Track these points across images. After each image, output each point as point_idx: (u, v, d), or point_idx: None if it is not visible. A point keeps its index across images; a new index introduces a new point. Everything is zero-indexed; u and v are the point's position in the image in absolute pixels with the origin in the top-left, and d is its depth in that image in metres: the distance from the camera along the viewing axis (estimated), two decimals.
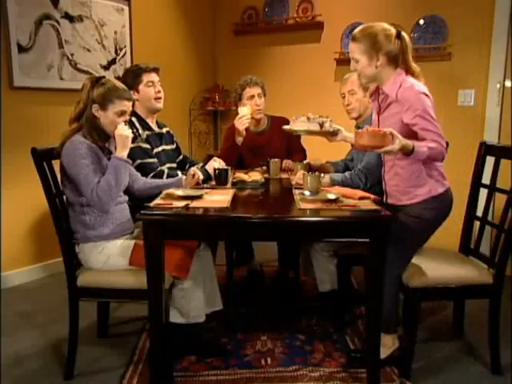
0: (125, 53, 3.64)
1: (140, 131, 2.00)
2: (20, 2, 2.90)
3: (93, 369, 2.09)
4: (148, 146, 2.40)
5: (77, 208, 1.97)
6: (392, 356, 2.05)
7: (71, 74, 3.25)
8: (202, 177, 2.25)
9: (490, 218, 2.29)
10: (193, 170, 2.24)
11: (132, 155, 2.30)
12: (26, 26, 2.96)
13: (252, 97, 2.85)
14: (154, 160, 2.40)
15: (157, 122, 2.57)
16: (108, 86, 1.96)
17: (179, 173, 2.44)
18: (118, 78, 3.48)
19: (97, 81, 1.97)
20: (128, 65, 3.64)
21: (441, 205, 1.98)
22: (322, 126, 2.02)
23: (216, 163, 2.41)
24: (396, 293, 2.00)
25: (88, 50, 3.35)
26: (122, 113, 1.99)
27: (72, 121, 1.98)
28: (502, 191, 2.10)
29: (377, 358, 1.87)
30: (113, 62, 3.55)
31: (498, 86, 3.30)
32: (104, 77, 2.02)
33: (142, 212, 1.75)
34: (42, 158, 1.93)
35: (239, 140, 2.73)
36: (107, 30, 3.48)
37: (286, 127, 2.30)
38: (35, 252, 3.20)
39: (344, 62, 3.93)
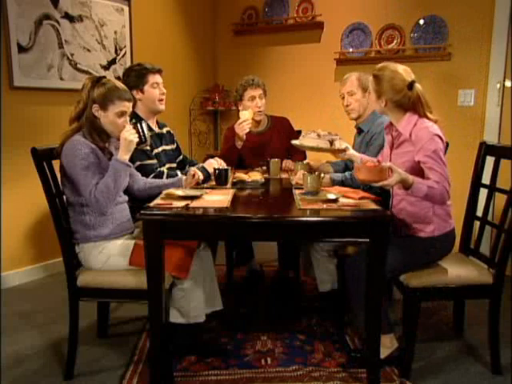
0: (125, 53, 3.64)
1: (146, 135, 1.97)
2: (20, 1, 2.90)
3: (93, 369, 2.09)
4: (148, 148, 2.40)
5: (77, 208, 1.97)
6: (391, 356, 2.05)
7: (71, 74, 3.25)
8: (201, 177, 2.26)
9: (489, 217, 2.28)
10: (193, 169, 2.24)
11: (132, 156, 2.30)
12: (26, 26, 2.96)
13: (253, 98, 2.85)
14: (154, 161, 2.40)
15: (157, 122, 2.57)
16: (109, 86, 1.96)
17: (178, 173, 2.44)
18: (118, 77, 3.50)
19: (97, 81, 1.97)
20: (128, 65, 3.64)
21: (442, 245, 2.02)
22: (331, 143, 2.03)
23: (215, 163, 2.41)
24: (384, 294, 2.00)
25: (88, 50, 3.35)
26: (123, 113, 1.98)
27: (72, 120, 1.98)
28: (502, 191, 2.10)
29: (377, 358, 1.87)
30: (113, 61, 3.55)
31: (498, 85, 3.31)
32: (105, 77, 2.02)
33: (141, 212, 1.75)
34: (42, 158, 1.93)
35: (239, 144, 2.73)
36: (107, 30, 3.48)
37: (295, 142, 2.28)
38: (35, 252, 3.20)
39: (344, 62, 3.94)
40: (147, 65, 2.45)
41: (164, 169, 2.43)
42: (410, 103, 1.94)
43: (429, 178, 1.85)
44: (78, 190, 1.91)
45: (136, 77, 2.42)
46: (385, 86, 1.94)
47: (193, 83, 4.44)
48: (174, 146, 2.65)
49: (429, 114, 1.95)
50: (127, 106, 2.00)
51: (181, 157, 2.70)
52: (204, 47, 4.54)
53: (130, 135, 1.94)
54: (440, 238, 2.00)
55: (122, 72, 2.56)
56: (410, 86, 1.92)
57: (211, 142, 4.73)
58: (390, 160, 2.06)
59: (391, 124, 2.07)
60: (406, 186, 1.81)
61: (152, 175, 2.34)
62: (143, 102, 2.45)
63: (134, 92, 2.40)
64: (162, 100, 2.48)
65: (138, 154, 2.33)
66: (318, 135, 2.00)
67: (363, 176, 1.78)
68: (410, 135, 1.93)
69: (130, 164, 1.97)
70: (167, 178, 2.37)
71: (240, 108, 2.92)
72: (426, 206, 1.96)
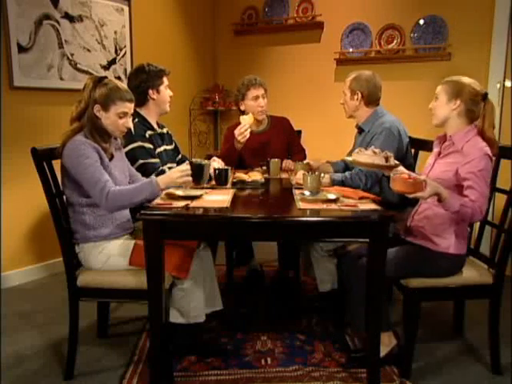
0: (125, 53, 3.64)
1: (204, 178, 1.93)
2: (20, 1, 2.90)
3: (93, 369, 2.09)
4: (151, 146, 2.40)
5: (77, 208, 1.96)
6: (391, 354, 2.05)
7: (71, 73, 3.25)
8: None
9: (489, 217, 2.28)
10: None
11: (135, 154, 2.31)
12: (26, 26, 2.96)
13: (257, 97, 2.85)
14: (157, 160, 2.40)
15: (157, 123, 2.58)
16: (110, 87, 1.95)
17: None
18: (118, 77, 3.50)
19: (99, 81, 1.97)
20: (128, 65, 3.65)
21: (450, 265, 1.99)
22: (387, 160, 2.03)
23: (215, 163, 2.41)
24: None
25: (88, 50, 3.35)
26: (124, 114, 1.98)
27: (73, 120, 1.98)
28: (502, 191, 2.10)
29: (377, 357, 1.87)
30: (113, 62, 3.55)
31: (498, 85, 3.31)
32: (106, 77, 2.02)
33: (142, 212, 1.75)
34: (42, 158, 1.93)
35: (238, 146, 2.72)
36: (107, 30, 3.48)
37: (348, 159, 2.16)
38: (35, 252, 3.20)
39: (344, 62, 3.94)
40: (160, 66, 2.46)
41: (166, 168, 2.43)
42: (478, 113, 1.95)
43: (465, 195, 1.84)
44: (85, 189, 1.89)
45: (155, 76, 2.42)
46: (465, 89, 1.93)
47: (193, 83, 4.44)
48: (172, 146, 2.65)
49: (488, 132, 1.93)
50: (129, 107, 2.00)
51: (180, 156, 2.71)
52: (204, 47, 4.54)
53: (182, 178, 1.89)
54: (451, 258, 1.97)
55: (131, 71, 2.52)
56: (485, 96, 1.95)
57: (211, 141, 4.73)
58: (431, 169, 2.06)
59: (444, 136, 2.05)
60: (439, 199, 1.81)
61: (154, 174, 2.34)
62: (156, 102, 2.45)
63: (151, 92, 2.41)
64: (169, 102, 2.52)
65: (142, 152, 2.33)
66: (374, 152, 2.02)
67: (398, 187, 1.78)
68: (462, 148, 1.92)
69: (159, 193, 1.92)
70: None
71: (242, 108, 2.92)
72: (448, 219, 1.94)
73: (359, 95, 2.48)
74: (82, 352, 2.16)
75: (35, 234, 3.19)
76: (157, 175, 2.32)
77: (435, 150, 2.12)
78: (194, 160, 2.03)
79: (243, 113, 2.88)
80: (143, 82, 2.38)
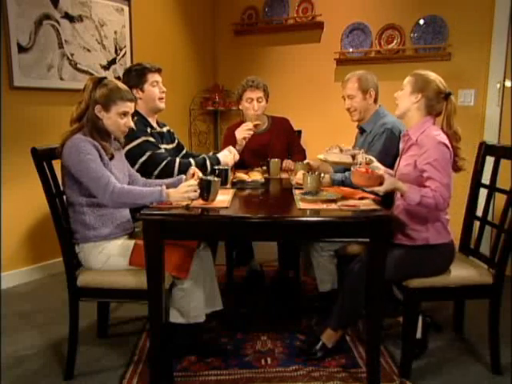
0: (125, 53, 3.64)
1: (211, 192, 1.92)
2: (20, 1, 2.90)
3: (93, 369, 2.09)
4: (154, 140, 2.41)
5: (77, 208, 1.96)
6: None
7: (71, 74, 3.25)
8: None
9: (489, 217, 2.28)
10: (192, 169, 2.23)
11: (141, 149, 2.32)
12: (26, 26, 2.96)
13: (251, 100, 2.86)
14: (163, 151, 2.42)
15: (157, 122, 2.58)
16: (110, 87, 1.95)
17: (191, 160, 2.42)
18: (118, 77, 3.50)
19: (99, 81, 1.97)
20: (128, 65, 3.64)
21: (439, 255, 1.98)
22: (353, 157, 2.14)
23: (230, 154, 2.46)
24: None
25: (88, 50, 3.35)
26: (125, 113, 1.98)
27: (73, 121, 1.98)
28: (502, 191, 2.10)
29: (377, 358, 1.87)
30: (113, 61, 3.55)
31: (498, 85, 3.30)
32: (106, 77, 2.02)
33: (142, 212, 1.76)
34: (42, 158, 1.93)
35: (238, 150, 2.70)
36: (107, 30, 3.48)
37: (320, 157, 2.32)
38: (35, 252, 3.20)
39: (344, 62, 3.94)
40: (146, 64, 2.47)
41: (177, 158, 2.43)
42: (438, 112, 1.97)
43: (426, 186, 1.85)
44: (85, 187, 1.89)
45: (136, 76, 2.43)
46: (431, 85, 1.96)
47: (193, 83, 4.44)
48: (174, 145, 2.65)
49: (448, 130, 1.95)
50: (129, 107, 2.00)
51: (184, 151, 2.71)
52: (204, 47, 4.54)
53: (189, 193, 1.86)
54: (437, 248, 1.97)
55: (123, 72, 2.55)
56: (448, 95, 1.96)
57: (211, 142, 4.73)
58: (398, 166, 2.07)
59: (407, 133, 2.06)
60: (401, 193, 1.86)
61: (164, 162, 2.34)
62: (144, 101, 2.46)
63: (135, 91, 2.41)
64: (162, 98, 2.50)
65: (148, 145, 2.35)
66: (341, 150, 2.07)
67: (356, 180, 1.89)
68: (417, 139, 1.94)
69: (163, 200, 1.90)
70: (179, 166, 2.36)
71: (240, 107, 2.95)
72: (420, 213, 1.95)
73: (373, 92, 2.50)
74: (82, 352, 2.16)
75: (35, 234, 3.19)
76: (167, 164, 2.33)
77: (401, 146, 2.13)
78: (203, 176, 1.99)
79: (243, 113, 2.89)
80: (126, 82, 2.36)
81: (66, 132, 1.94)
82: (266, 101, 2.95)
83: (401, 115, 2.06)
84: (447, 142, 1.90)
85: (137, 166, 2.33)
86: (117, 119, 1.97)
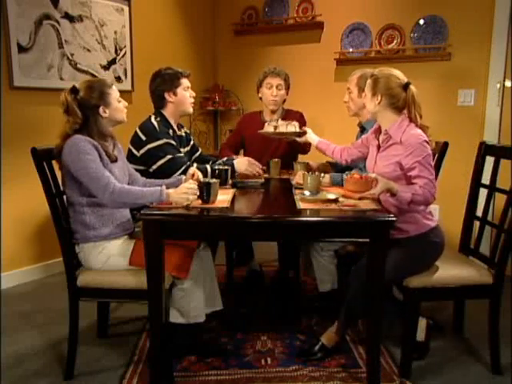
0: (125, 53, 3.64)
1: (211, 195, 1.88)
2: (20, 1, 2.90)
3: (93, 369, 2.09)
4: (175, 144, 2.42)
5: (77, 208, 1.96)
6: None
7: (71, 74, 3.25)
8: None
9: (489, 217, 2.29)
10: (192, 169, 2.23)
11: (163, 150, 2.33)
12: (26, 26, 2.96)
13: (270, 86, 2.89)
14: (182, 155, 2.44)
15: (177, 124, 2.58)
16: (93, 84, 1.98)
17: (208, 167, 2.38)
18: (118, 77, 3.51)
19: (73, 90, 1.93)
20: (128, 65, 3.65)
21: (432, 239, 1.99)
22: (275, 128, 2.52)
23: (245, 162, 2.48)
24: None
25: (88, 50, 3.35)
26: (119, 100, 2.04)
27: (66, 136, 1.93)
28: (502, 191, 2.10)
29: (377, 358, 1.87)
30: (113, 61, 3.55)
31: (498, 85, 3.30)
32: (74, 85, 1.97)
33: (142, 212, 1.76)
34: (42, 158, 1.93)
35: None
36: (107, 30, 3.48)
37: (261, 131, 2.62)
38: (35, 252, 3.20)
39: (344, 62, 3.93)
40: (178, 69, 2.50)
41: (194, 163, 2.44)
42: (403, 104, 1.98)
43: (414, 183, 1.88)
44: (85, 187, 1.89)
45: (171, 79, 2.45)
46: (381, 83, 1.98)
47: (193, 83, 4.41)
48: (188, 148, 2.65)
49: (419, 119, 1.97)
50: (116, 90, 2.05)
51: (198, 153, 2.72)
52: (204, 47, 4.54)
53: (188, 195, 1.84)
54: (428, 234, 1.98)
55: (152, 76, 2.51)
56: (406, 86, 1.97)
57: (211, 142, 4.73)
58: (375, 162, 2.07)
59: (379, 128, 2.09)
60: (392, 193, 1.87)
61: (183, 168, 2.34)
62: (175, 104, 2.48)
63: (167, 94, 2.43)
64: (192, 103, 2.55)
65: (170, 148, 2.36)
66: (277, 120, 2.56)
67: (351, 187, 1.93)
68: (401, 140, 1.95)
69: (162, 200, 1.89)
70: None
71: (259, 95, 2.97)
72: (399, 207, 1.95)
73: (380, 97, 2.49)
74: (82, 352, 2.16)
75: (35, 233, 3.19)
76: (184, 170, 2.33)
77: (373, 143, 2.14)
78: (202, 179, 2.03)
79: (261, 99, 2.97)
80: (158, 85, 2.43)
81: (62, 132, 1.93)
82: (287, 92, 2.95)
83: (372, 117, 2.13)
84: (427, 138, 1.93)
85: (154, 167, 2.34)
86: (117, 105, 2.02)
